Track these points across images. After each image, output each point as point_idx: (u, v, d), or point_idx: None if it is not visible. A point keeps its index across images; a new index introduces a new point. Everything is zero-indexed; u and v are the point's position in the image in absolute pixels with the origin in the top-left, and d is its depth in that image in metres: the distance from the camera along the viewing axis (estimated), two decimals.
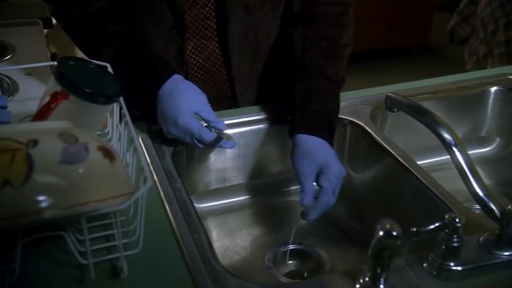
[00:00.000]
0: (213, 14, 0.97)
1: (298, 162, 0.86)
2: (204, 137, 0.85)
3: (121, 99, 0.76)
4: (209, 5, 0.96)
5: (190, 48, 0.99)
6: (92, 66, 0.79)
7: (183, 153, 0.95)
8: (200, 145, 0.88)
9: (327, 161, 0.85)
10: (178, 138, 0.88)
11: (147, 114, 0.91)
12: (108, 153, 0.58)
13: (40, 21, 1.41)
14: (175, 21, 0.95)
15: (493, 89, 1.13)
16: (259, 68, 1.06)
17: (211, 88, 1.04)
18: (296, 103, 0.93)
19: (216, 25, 0.98)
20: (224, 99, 1.07)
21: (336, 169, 0.85)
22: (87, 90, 0.71)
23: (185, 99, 0.85)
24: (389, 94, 0.83)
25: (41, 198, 0.49)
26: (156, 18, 0.95)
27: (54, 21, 1.47)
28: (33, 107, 0.74)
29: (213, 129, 0.87)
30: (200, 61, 1.01)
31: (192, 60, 1.01)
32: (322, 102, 0.92)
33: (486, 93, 1.13)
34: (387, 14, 3.37)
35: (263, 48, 1.04)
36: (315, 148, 0.87)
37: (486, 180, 1.08)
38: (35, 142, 0.51)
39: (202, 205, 1.02)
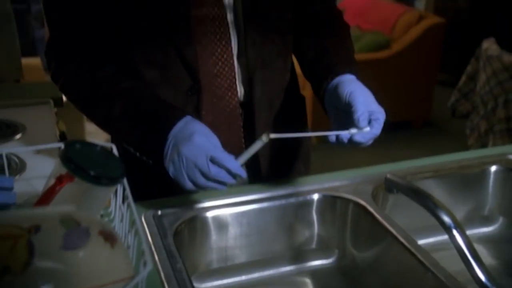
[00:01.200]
0: (232, 73, 1.02)
1: (355, 93, 0.92)
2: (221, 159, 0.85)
3: (125, 180, 0.78)
4: (226, 63, 1.01)
5: (205, 107, 1.03)
6: (98, 148, 0.81)
7: (185, 231, 0.95)
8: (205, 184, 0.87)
9: (378, 108, 0.94)
10: (184, 180, 0.87)
11: (155, 158, 0.92)
12: (109, 237, 0.59)
13: (51, 100, 1.46)
14: (191, 83, 1.00)
15: (493, 168, 1.14)
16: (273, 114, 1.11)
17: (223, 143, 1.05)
18: (327, 55, 1.03)
19: (236, 83, 1.04)
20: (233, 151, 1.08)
21: (383, 112, 0.94)
22: (92, 173, 0.72)
23: (198, 139, 0.87)
24: (388, 176, 0.84)
25: (40, 285, 0.49)
26: (172, 81, 1.00)
27: (64, 99, 1.53)
28: (39, 186, 0.76)
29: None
30: (216, 119, 1.04)
31: (208, 118, 1.03)
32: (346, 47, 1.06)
33: (486, 173, 1.14)
34: (389, 88, 3.46)
35: (277, 102, 1.10)
36: (362, 86, 0.95)
37: (490, 260, 1.08)
38: (37, 228, 0.52)
39: (203, 285, 1.00)
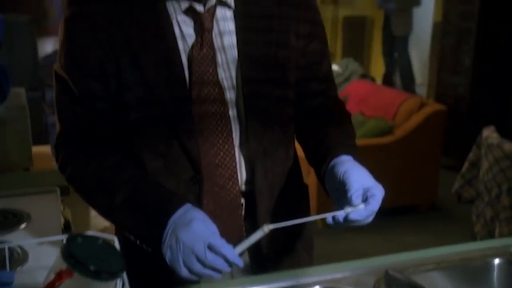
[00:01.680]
0: (234, 163, 1.05)
1: (350, 172, 0.95)
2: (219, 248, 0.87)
3: (125, 274, 0.78)
4: (227, 153, 1.05)
5: (207, 196, 1.04)
6: (99, 241, 0.82)
7: None
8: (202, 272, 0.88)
9: (375, 183, 0.95)
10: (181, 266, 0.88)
11: (154, 244, 0.93)
12: None
13: (58, 189, 1.49)
14: (193, 173, 1.02)
15: (497, 261, 1.13)
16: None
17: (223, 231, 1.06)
18: (329, 139, 1.07)
19: (238, 173, 1.06)
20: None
21: (381, 194, 0.94)
22: (91, 268, 0.73)
23: (196, 226, 0.89)
24: (388, 271, 0.84)
25: None
26: (175, 171, 1.02)
27: (71, 188, 1.55)
28: (40, 278, 0.77)
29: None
30: (217, 208, 1.06)
31: (209, 207, 1.05)
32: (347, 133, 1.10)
33: (489, 265, 1.13)
34: (394, 173, 3.48)
35: (278, 191, 1.11)
36: (359, 165, 0.98)
37: None
38: None
39: None
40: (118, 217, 1.01)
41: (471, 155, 2.75)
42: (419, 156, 3.50)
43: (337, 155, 1.02)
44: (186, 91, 1.02)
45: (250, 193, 1.09)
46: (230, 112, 1.05)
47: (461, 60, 4.10)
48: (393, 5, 5.79)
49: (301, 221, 0.97)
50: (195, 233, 0.88)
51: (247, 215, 1.09)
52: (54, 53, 5.36)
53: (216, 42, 1.04)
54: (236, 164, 1.07)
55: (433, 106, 3.54)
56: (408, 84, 5.65)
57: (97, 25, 0.99)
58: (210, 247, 0.87)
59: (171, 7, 1.01)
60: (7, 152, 1.63)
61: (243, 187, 1.09)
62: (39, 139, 2.33)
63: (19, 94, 1.79)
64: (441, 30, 4.31)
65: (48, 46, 5.57)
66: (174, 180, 1.03)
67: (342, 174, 0.96)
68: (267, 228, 0.91)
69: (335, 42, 6.83)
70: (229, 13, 1.05)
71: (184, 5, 1.01)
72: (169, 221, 0.91)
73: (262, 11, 1.06)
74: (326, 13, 6.85)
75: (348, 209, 0.92)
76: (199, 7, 1.02)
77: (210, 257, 0.87)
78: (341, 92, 4.17)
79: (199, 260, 0.87)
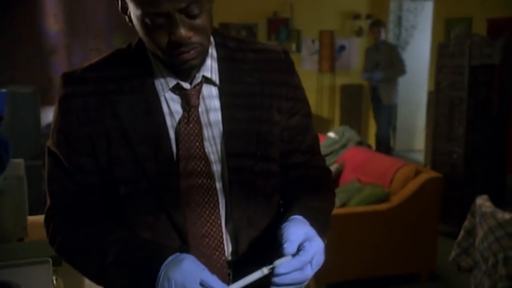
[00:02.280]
0: (220, 234, 1.08)
1: (288, 226, 0.99)
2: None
3: None
4: (214, 224, 1.08)
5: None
6: None
7: None
8: None
9: (313, 234, 0.99)
10: None
11: None
12: None
13: (50, 259, 1.50)
14: (180, 244, 1.05)
15: None
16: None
17: None
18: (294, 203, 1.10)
19: (224, 243, 1.09)
20: None
21: (318, 242, 0.97)
22: None
23: (187, 264, 0.93)
24: None
25: None
26: (162, 242, 1.05)
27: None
28: None
29: None
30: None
31: None
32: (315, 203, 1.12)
33: None
34: (391, 241, 3.46)
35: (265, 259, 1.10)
36: (304, 222, 1.02)
37: None
38: None
39: None
40: (110, 275, 1.02)
41: (466, 224, 2.75)
42: (416, 223, 3.49)
43: (290, 215, 1.05)
44: (174, 164, 1.06)
45: (236, 263, 1.11)
46: (217, 185, 1.09)
47: (455, 128, 4.18)
48: (379, 75, 5.91)
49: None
50: (186, 271, 0.92)
51: None
52: None
53: (203, 118, 1.09)
54: (222, 234, 1.09)
55: (429, 173, 3.57)
56: (384, 151, 5.66)
57: (88, 103, 1.06)
58: (202, 283, 0.91)
59: (159, 85, 1.08)
60: (2, 222, 1.66)
61: (229, 257, 1.11)
62: (38, 207, 2.35)
63: (18, 165, 1.84)
64: (434, 99, 4.42)
65: (51, 114, 5.71)
66: None
67: (282, 229, 0.99)
68: (266, 269, 0.93)
69: (333, 110, 6.98)
70: (214, 90, 1.11)
71: (172, 83, 1.07)
72: (161, 266, 0.95)
73: (245, 88, 1.12)
74: (324, 81, 7.04)
75: (277, 262, 0.93)
76: (186, 85, 1.08)
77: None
78: (338, 159, 4.22)
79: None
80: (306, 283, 0.98)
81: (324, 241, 1.03)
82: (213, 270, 1.07)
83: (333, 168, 4.09)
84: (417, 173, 3.58)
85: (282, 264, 0.94)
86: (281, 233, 0.99)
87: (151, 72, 1.08)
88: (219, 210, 1.09)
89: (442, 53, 4.30)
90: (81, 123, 1.06)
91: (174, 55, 1.01)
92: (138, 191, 1.06)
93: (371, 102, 6.33)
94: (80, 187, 1.08)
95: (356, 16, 7.12)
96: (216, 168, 1.09)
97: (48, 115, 5.75)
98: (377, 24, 6.09)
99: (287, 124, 1.17)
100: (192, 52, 1.02)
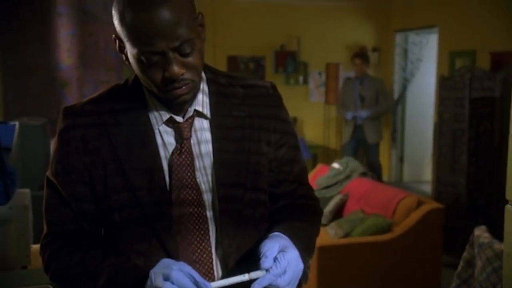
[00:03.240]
0: (210, 260, 1.15)
1: (265, 242, 1.06)
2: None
3: None
4: (204, 250, 1.14)
5: None
6: None
7: None
8: None
9: (288, 245, 1.06)
10: None
11: None
12: None
13: (50, 286, 1.56)
14: None
15: None
16: None
17: None
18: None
19: (214, 269, 1.15)
20: None
21: (292, 252, 1.04)
22: None
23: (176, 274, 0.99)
24: None
25: None
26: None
27: None
28: None
29: None
30: None
31: None
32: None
33: None
34: (395, 272, 3.46)
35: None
36: (283, 237, 1.09)
37: None
38: None
39: None
40: None
41: (465, 254, 2.75)
42: (419, 254, 3.50)
43: (271, 233, 1.12)
44: (167, 194, 1.13)
45: None
46: (207, 213, 1.15)
47: (458, 159, 4.21)
48: (365, 114, 5.54)
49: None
50: (169, 264, 1.01)
51: None
52: None
53: (195, 149, 1.16)
54: (212, 260, 1.15)
55: (431, 204, 3.59)
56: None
57: (86, 134, 1.13)
58: (183, 271, 0.98)
59: (153, 118, 1.15)
60: (7, 249, 1.72)
61: None
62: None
63: (24, 194, 1.91)
64: (438, 131, 4.46)
65: None
66: None
67: (260, 245, 1.06)
68: (248, 276, 1.01)
69: (340, 141, 7.02)
70: (206, 123, 1.18)
71: (165, 117, 1.15)
72: (150, 272, 1.01)
73: (235, 122, 1.19)
74: (331, 113, 7.12)
75: (252, 274, 1.01)
76: (179, 118, 1.15)
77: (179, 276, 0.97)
78: (342, 190, 4.26)
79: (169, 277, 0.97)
80: None
81: (306, 261, 1.10)
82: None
83: (337, 198, 4.12)
84: (420, 204, 3.60)
85: (257, 281, 1.02)
86: (259, 249, 1.06)
87: (146, 106, 1.15)
88: (209, 237, 1.15)
89: (444, 86, 4.37)
90: (79, 153, 1.13)
91: (167, 90, 1.09)
92: (131, 219, 1.12)
93: (351, 141, 5.76)
94: (76, 215, 1.14)
95: (363, 49, 7.24)
96: (207, 197, 1.16)
97: None
98: (359, 55, 5.71)
99: (275, 156, 1.24)
100: (184, 87, 1.09)
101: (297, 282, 1.07)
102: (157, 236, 1.12)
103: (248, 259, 1.17)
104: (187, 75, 1.08)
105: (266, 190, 1.23)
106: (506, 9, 5.08)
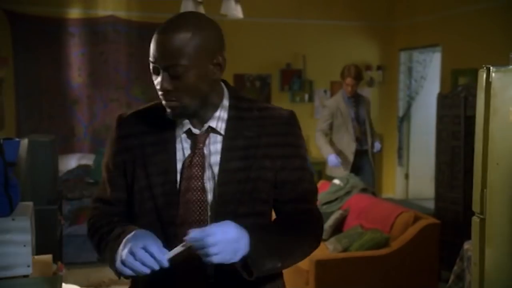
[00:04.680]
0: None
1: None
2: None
3: None
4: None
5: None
6: None
7: None
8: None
9: (234, 228, 1.23)
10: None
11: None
12: None
13: None
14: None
15: None
16: None
17: None
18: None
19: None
20: None
21: (233, 232, 1.22)
22: None
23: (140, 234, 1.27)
24: None
25: None
26: None
27: None
28: None
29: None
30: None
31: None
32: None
33: None
34: (392, 285, 3.51)
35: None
36: (236, 226, 1.25)
37: None
38: None
39: None
40: (104, 253, 1.38)
41: (455, 268, 2.82)
42: (415, 268, 3.55)
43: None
44: (176, 190, 1.36)
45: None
46: (208, 211, 1.36)
47: (456, 175, 4.27)
48: (378, 145, 5.06)
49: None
50: (136, 237, 1.25)
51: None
52: (77, 168, 5.74)
53: (207, 158, 1.38)
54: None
55: (427, 220, 3.65)
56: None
57: (127, 138, 1.42)
58: (145, 248, 1.20)
59: (178, 129, 1.40)
60: (9, 259, 1.83)
61: (211, 280, 1.36)
62: (48, 248, 2.52)
63: (27, 206, 2.03)
64: (436, 148, 4.54)
65: (72, 161, 5.97)
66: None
67: None
68: (188, 242, 1.20)
69: None
70: (219, 138, 1.39)
71: (186, 128, 1.39)
72: (124, 240, 1.27)
73: (245, 139, 1.38)
74: None
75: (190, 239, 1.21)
76: (195, 130, 1.39)
77: (141, 253, 1.20)
78: (342, 206, 4.33)
79: (131, 253, 1.20)
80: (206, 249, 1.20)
81: (269, 261, 1.28)
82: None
83: (337, 214, 4.20)
84: (416, 219, 3.67)
85: (190, 232, 1.21)
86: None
87: (175, 122, 1.40)
88: (207, 222, 1.35)
89: (442, 104, 4.45)
90: (121, 152, 1.43)
91: (164, 100, 1.34)
92: (145, 209, 1.38)
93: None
94: (113, 199, 1.45)
95: (368, 67, 7.35)
96: (210, 197, 1.37)
97: (70, 162, 6.01)
98: (353, 75, 4.87)
99: (280, 175, 1.40)
100: (174, 103, 1.32)
101: (232, 259, 1.22)
102: (161, 223, 1.35)
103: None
104: (173, 94, 1.31)
105: (264, 204, 1.40)
106: (508, 28, 5.17)
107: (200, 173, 1.36)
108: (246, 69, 6.95)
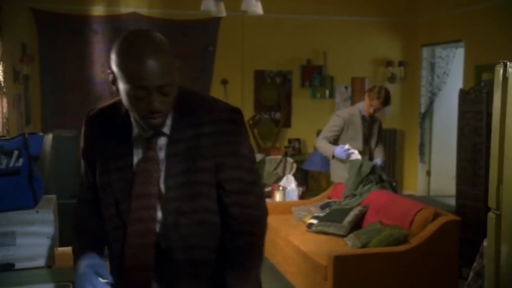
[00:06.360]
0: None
1: None
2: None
3: None
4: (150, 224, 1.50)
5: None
6: None
7: None
8: None
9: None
10: None
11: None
12: None
13: (70, 284, 1.71)
14: (122, 230, 1.53)
15: None
16: None
17: None
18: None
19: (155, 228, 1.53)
20: None
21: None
22: None
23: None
24: None
25: None
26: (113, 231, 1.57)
27: None
28: None
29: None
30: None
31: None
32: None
33: None
34: (410, 282, 3.50)
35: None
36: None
37: None
38: None
39: None
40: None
41: (475, 265, 2.80)
42: (435, 265, 3.53)
43: None
44: (131, 182, 1.49)
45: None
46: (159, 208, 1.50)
47: (478, 172, 4.23)
48: (380, 160, 4.71)
49: None
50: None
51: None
52: None
53: (159, 159, 1.48)
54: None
55: (447, 217, 3.63)
56: None
57: (93, 131, 1.56)
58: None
59: (133, 131, 1.50)
60: (33, 250, 1.89)
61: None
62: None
63: (50, 199, 2.09)
64: (458, 144, 4.49)
65: None
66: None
67: None
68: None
69: None
70: (164, 139, 1.49)
71: (135, 132, 1.50)
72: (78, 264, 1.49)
73: (185, 142, 1.47)
74: None
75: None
76: (146, 134, 1.48)
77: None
78: (362, 202, 4.32)
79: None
80: None
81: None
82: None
83: (356, 210, 4.19)
84: (436, 216, 3.64)
85: None
86: None
87: (130, 121, 1.51)
88: (156, 216, 1.48)
89: (464, 100, 4.40)
90: (88, 141, 1.58)
91: (146, 119, 1.42)
92: (103, 195, 1.53)
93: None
94: (89, 183, 1.60)
95: (389, 63, 7.30)
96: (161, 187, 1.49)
97: None
98: (384, 101, 4.53)
99: (221, 174, 1.49)
100: (159, 119, 1.42)
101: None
102: (117, 210, 1.51)
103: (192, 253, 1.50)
104: (163, 109, 1.40)
105: (208, 200, 1.50)
106: None
107: (149, 172, 1.47)
108: (266, 65, 6.96)
